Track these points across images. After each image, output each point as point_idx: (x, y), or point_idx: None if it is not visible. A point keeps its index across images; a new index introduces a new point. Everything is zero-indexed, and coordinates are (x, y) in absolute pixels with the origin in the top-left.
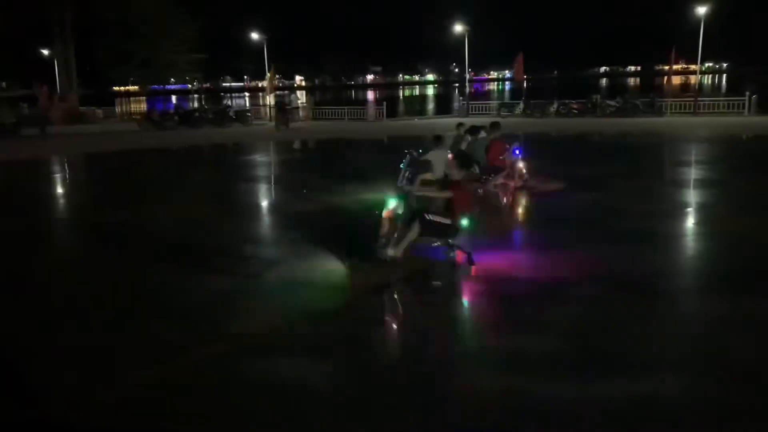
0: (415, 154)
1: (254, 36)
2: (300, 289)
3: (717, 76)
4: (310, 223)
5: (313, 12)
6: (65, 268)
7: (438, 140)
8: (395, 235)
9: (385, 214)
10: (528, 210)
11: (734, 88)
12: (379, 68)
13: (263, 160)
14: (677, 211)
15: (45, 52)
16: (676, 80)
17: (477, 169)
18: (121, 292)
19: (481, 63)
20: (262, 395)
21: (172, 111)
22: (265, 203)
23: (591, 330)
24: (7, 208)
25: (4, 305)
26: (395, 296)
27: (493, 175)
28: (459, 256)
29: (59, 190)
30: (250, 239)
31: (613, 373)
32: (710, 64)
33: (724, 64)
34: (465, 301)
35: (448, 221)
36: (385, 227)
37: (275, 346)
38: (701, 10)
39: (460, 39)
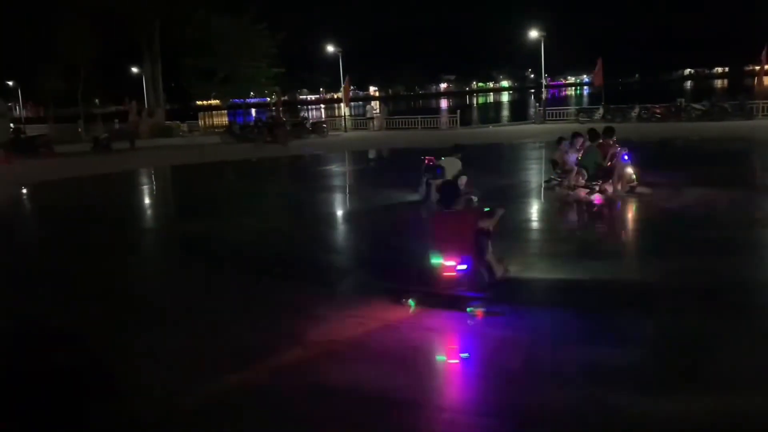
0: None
1: (329, 48)
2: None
3: None
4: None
5: (386, 22)
6: (151, 276)
7: (456, 148)
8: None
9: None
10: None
11: None
12: (452, 76)
13: (339, 171)
14: None
15: (134, 70)
16: None
17: (586, 175)
18: (205, 299)
19: (558, 68)
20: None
21: (252, 124)
22: (339, 212)
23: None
24: (100, 218)
25: (94, 309)
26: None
27: (602, 180)
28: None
29: (147, 200)
30: (328, 248)
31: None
32: None
33: None
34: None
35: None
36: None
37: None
38: None
39: (535, 44)
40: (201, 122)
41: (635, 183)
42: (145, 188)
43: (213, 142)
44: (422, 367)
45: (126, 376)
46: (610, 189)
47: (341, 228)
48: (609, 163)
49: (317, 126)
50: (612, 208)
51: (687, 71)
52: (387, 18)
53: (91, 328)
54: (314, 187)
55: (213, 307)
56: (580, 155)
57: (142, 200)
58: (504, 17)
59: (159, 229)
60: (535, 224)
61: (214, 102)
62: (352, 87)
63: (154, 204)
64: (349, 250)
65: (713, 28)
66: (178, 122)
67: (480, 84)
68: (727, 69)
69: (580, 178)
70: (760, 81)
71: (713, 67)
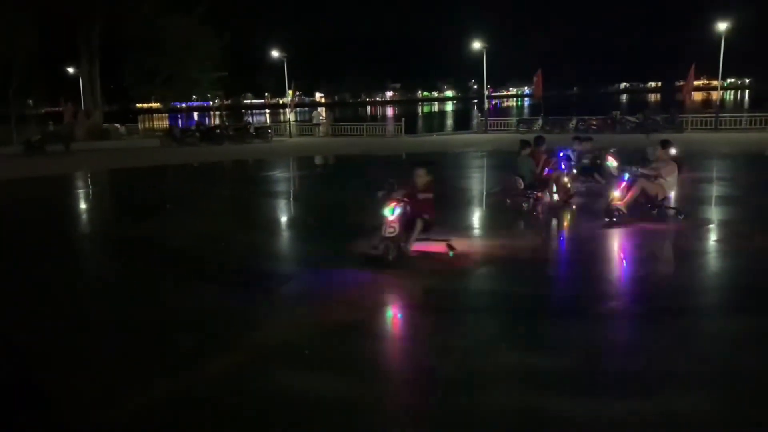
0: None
1: (275, 53)
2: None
3: (739, 92)
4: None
5: (332, 29)
6: (85, 280)
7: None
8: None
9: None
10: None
11: (758, 103)
12: (398, 85)
13: (282, 176)
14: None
15: (70, 70)
16: (698, 96)
17: (522, 184)
18: (139, 304)
19: (500, 79)
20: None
21: (193, 128)
22: (282, 217)
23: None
24: (31, 221)
25: (24, 315)
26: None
27: (538, 190)
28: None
29: (82, 205)
30: (268, 253)
31: None
32: (732, 80)
33: (747, 80)
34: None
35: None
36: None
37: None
38: (722, 26)
39: (478, 56)
40: (141, 125)
41: (573, 192)
42: (80, 192)
43: (153, 146)
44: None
45: (53, 385)
46: (547, 199)
47: (278, 232)
48: (543, 173)
49: (261, 131)
50: (551, 216)
51: (623, 85)
52: (334, 25)
53: (20, 335)
54: (256, 192)
55: (143, 311)
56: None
57: (76, 204)
58: (449, 28)
59: (93, 233)
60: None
61: (155, 105)
62: (297, 93)
63: (89, 208)
64: (286, 254)
65: (648, 44)
66: (116, 125)
67: (425, 93)
68: (659, 84)
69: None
70: (688, 96)
71: (647, 82)
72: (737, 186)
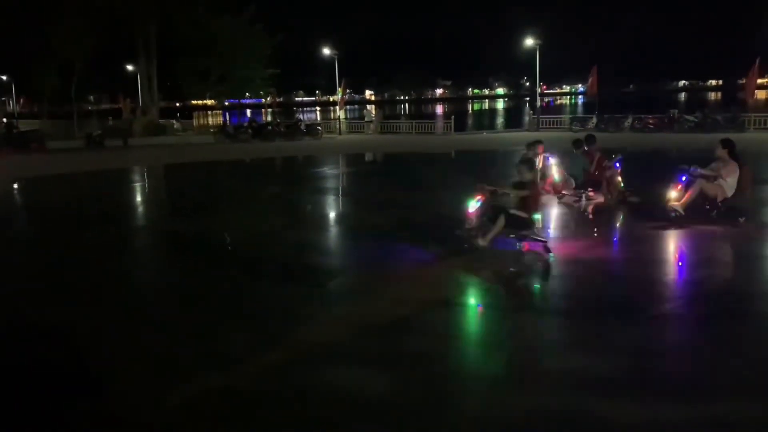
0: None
1: (326, 51)
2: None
3: None
4: (379, 233)
5: (383, 27)
6: (140, 274)
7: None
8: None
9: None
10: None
11: None
12: (448, 82)
13: (333, 173)
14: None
15: (130, 68)
16: (762, 94)
17: (574, 184)
18: (192, 298)
19: (553, 76)
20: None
21: (246, 124)
22: (335, 214)
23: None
24: (92, 215)
25: (83, 309)
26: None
27: (591, 188)
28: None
29: (138, 198)
30: (322, 250)
31: None
32: None
33: None
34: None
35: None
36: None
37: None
38: None
39: (530, 53)
40: (195, 122)
41: (627, 192)
42: (137, 186)
43: (206, 142)
44: None
45: (106, 375)
46: (601, 198)
47: (332, 229)
48: (596, 172)
49: (311, 128)
50: (605, 216)
51: (681, 83)
52: (384, 22)
53: (79, 327)
54: (306, 188)
55: (197, 305)
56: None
57: (133, 198)
58: (501, 24)
59: (150, 227)
60: None
61: (210, 102)
62: (348, 90)
63: (145, 201)
64: (344, 251)
65: (709, 42)
66: (172, 121)
67: (476, 90)
68: (721, 82)
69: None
70: (751, 94)
71: (707, 80)
72: None
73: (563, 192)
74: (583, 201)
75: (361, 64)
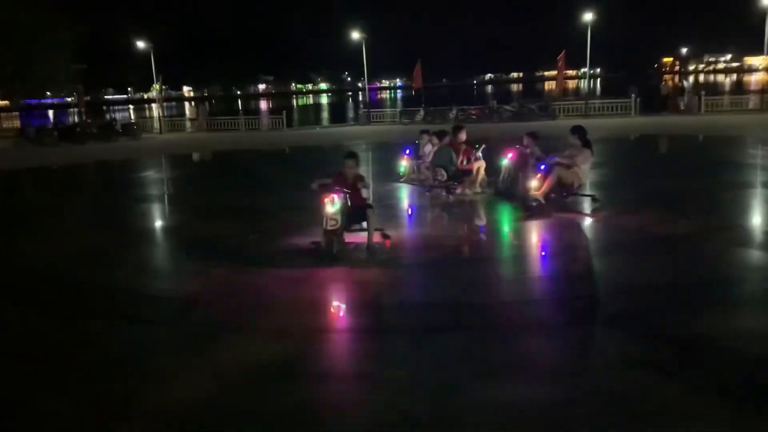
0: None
1: (140, 44)
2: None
3: (591, 81)
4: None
5: (198, 21)
6: None
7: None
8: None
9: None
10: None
11: (608, 91)
12: (270, 77)
13: (159, 177)
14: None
15: None
16: (554, 86)
17: (445, 175)
18: None
19: (373, 71)
20: None
21: (50, 126)
22: (170, 227)
23: None
24: None
25: None
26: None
27: (464, 180)
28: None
29: None
30: (152, 273)
31: None
32: (584, 70)
33: (597, 70)
34: None
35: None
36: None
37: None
38: (587, 17)
39: (353, 47)
40: None
41: (489, 181)
42: None
43: (3, 148)
44: None
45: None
46: (462, 190)
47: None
48: (464, 162)
49: (128, 128)
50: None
51: (488, 76)
52: (200, 15)
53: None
54: (132, 197)
55: None
56: (432, 154)
57: None
58: (322, 20)
59: None
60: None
61: (3, 103)
62: (164, 86)
63: None
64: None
65: (506, 36)
66: None
67: (299, 86)
68: (521, 74)
69: (438, 177)
70: (560, 84)
71: (510, 73)
72: (625, 168)
73: (432, 183)
74: (454, 194)
75: (178, 59)
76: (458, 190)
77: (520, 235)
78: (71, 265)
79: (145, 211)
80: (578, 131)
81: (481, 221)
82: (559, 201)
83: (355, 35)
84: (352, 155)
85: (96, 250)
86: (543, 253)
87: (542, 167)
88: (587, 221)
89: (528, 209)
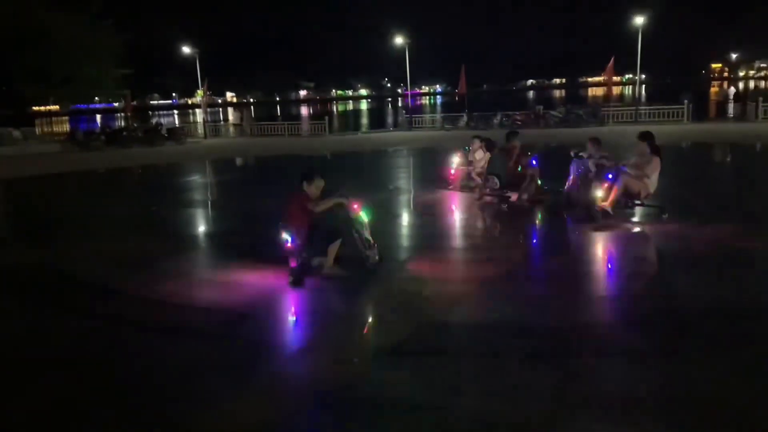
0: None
1: (185, 50)
2: None
3: (635, 87)
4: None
5: (242, 28)
6: None
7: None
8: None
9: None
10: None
11: (652, 98)
12: (311, 84)
13: (204, 182)
14: None
15: None
16: (599, 91)
17: (498, 183)
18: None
19: (413, 77)
20: None
21: (98, 130)
22: (223, 233)
23: None
24: None
25: None
26: None
27: (518, 187)
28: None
29: None
30: (205, 282)
31: None
32: (629, 76)
33: (643, 76)
34: None
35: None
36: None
37: None
38: (639, 20)
39: (394, 54)
40: (38, 129)
41: (544, 189)
42: None
43: (53, 151)
44: None
45: None
46: (516, 198)
47: (213, 253)
48: (517, 168)
49: (174, 132)
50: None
51: (529, 82)
52: (243, 24)
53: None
54: (180, 202)
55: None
56: (485, 162)
57: None
58: (359, 28)
59: None
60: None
61: (54, 107)
62: (208, 92)
63: None
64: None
65: (553, 44)
66: (9, 129)
67: (339, 92)
68: (563, 80)
69: (491, 185)
70: (610, 90)
71: (552, 78)
72: (685, 177)
73: (484, 192)
74: (511, 200)
75: (221, 65)
76: (512, 198)
77: (590, 249)
78: (117, 275)
79: (189, 217)
80: (648, 137)
81: (546, 233)
82: (624, 211)
83: (399, 40)
84: (314, 172)
85: (142, 258)
86: (620, 270)
87: (609, 176)
88: (658, 233)
89: (594, 220)
